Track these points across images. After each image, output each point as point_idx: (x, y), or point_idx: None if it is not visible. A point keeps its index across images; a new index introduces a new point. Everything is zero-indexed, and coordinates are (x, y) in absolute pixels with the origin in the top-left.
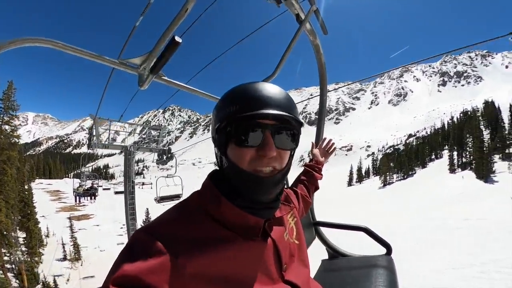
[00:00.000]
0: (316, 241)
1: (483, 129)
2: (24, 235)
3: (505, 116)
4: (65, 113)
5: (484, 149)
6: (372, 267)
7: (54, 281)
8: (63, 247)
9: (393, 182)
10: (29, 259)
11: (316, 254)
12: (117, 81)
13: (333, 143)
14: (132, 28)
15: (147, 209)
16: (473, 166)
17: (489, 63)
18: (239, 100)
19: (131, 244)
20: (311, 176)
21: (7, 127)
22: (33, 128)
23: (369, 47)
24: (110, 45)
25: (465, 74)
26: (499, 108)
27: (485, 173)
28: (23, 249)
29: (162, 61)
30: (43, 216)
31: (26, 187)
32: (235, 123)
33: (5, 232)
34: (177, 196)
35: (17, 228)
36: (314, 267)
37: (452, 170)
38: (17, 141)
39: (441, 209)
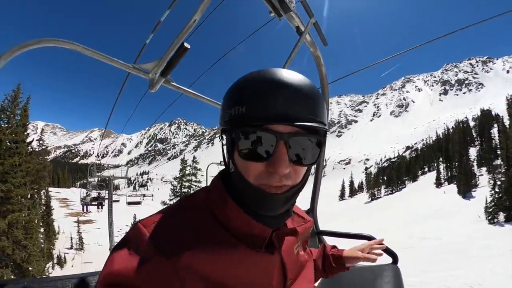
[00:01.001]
0: None
1: (476, 139)
2: (43, 229)
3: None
4: (73, 123)
5: (469, 162)
6: (377, 277)
7: (64, 258)
8: (71, 239)
9: (380, 197)
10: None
11: None
12: (126, 94)
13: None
14: (143, 45)
15: (134, 214)
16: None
17: (490, 69)
18: (246, 98)
19: (127, 238)
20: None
21: (34, 143)
22: (42, 137)
23: (370, 56)
24: (122, 51)
25: (466, 82)
26: (497, 115)
27: (464, 188)
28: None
29: (172, 66)
30: (53, 219)
31: (44, 191)
32: (239, 129)
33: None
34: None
35: (40, 222)
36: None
37: (438, 184)
38: (48, 160)
39: (408, 227)
